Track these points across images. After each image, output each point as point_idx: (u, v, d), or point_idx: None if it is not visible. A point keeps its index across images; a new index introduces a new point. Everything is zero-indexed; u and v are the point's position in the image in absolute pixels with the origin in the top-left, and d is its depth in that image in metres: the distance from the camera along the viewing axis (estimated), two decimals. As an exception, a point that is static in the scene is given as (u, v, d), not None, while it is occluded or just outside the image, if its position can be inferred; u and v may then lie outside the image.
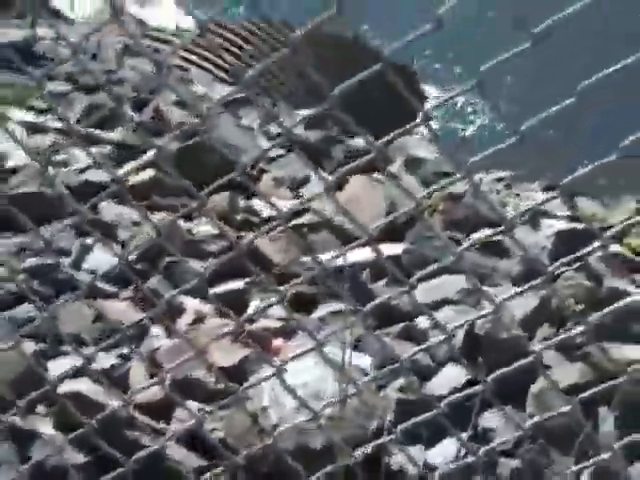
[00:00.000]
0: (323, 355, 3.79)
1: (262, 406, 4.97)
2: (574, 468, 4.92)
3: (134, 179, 7.14)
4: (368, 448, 4.42)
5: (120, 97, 9.03)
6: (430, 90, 14.38)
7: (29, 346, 5.22)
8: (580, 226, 7.68)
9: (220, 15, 13.47)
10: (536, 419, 4.85)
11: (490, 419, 5.21)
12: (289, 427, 4.39)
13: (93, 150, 7.81)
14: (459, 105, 15.35)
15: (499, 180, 8.92)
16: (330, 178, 5.44)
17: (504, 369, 4.52)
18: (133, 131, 8.22)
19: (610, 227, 7.68)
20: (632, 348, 5.54)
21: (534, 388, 5.27)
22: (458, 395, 5.12)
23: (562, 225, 7.48)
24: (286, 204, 7.06)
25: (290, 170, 7.91)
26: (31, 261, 5.93)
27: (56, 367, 5.14)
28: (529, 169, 7.85)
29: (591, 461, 4.76)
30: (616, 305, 5.67)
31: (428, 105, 9.85)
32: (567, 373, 5.40)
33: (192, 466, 4.69)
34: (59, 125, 8.17)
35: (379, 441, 4.74)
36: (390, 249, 6.51)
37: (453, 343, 5.57)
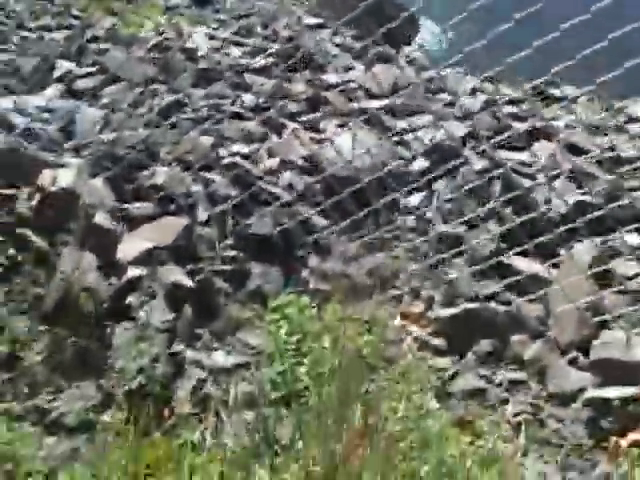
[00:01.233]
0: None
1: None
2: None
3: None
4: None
5: (253, 23, 9.31)
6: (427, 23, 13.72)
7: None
8: (496, 97, 8.07)
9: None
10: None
11: (437, 184, 5.66)
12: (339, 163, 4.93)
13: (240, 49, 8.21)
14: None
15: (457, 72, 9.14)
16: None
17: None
18: (262, 40, 8.55)
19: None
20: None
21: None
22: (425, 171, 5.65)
23: (486, 96, 7.83)
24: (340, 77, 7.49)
25: (342, 62, 8.23)
26: (209, 102, 6.37)
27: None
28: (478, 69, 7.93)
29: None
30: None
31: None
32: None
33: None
34: (223, 35, 8.56)
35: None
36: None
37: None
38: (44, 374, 3.62)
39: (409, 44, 10.54)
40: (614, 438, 3.59)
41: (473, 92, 8.13)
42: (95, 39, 7.43)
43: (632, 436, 3.53)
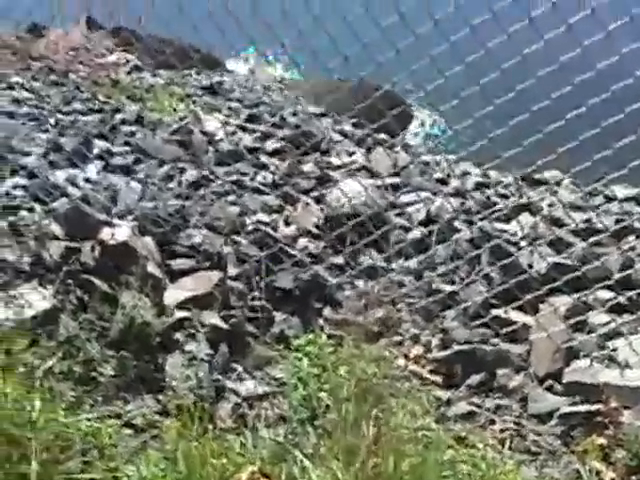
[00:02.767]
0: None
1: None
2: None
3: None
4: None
5: (261, 111, 10.37)
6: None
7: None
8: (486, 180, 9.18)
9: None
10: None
11: (435, 250, 6.71)
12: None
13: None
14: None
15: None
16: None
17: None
18: (270, 126, 9.57)
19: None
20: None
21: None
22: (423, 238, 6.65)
23: (477, 179, 8.95)
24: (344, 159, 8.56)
25: (344, 147, 9.31)
26: (231, 178, 7.40)
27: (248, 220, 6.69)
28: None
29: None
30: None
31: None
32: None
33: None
34: (236, 122, 9.65)
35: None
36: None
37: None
38: (114, 389, 4.57)
39: (405, 130, 11.69)
40: (582, 443, 4.56)
41: (464, 175, 9.26)
42: (124, 122, 8.55)
43: (597, 441, 4.50)
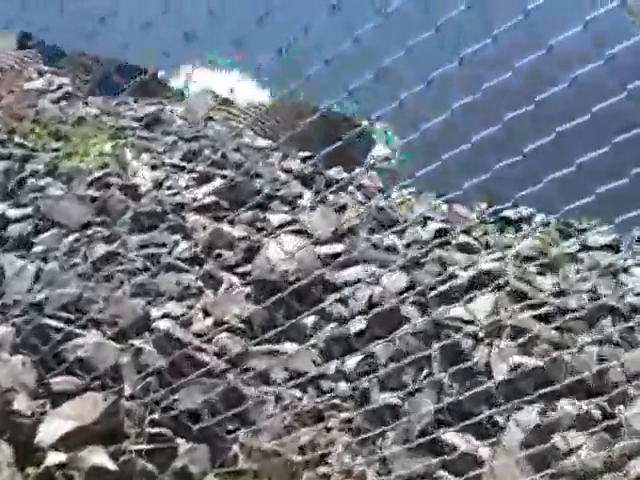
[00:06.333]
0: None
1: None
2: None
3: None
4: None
5: (202, 146, 9.30)
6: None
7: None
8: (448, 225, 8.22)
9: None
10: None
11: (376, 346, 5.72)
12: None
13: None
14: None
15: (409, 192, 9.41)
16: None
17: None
18: (209, 165, 8.51)
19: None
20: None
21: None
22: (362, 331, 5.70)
23: (438, 225, 8.01)
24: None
25: (290, 191, 8.28)
26: (145, 252, 6.41)
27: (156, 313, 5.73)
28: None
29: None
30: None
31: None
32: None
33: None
34: (169, 161, 8.61)
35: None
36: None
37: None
38: None
39: (362, 163, 10.74)
40: None
41: (424, 220, 8.28)
42: (35, 173, 7.50)
43: None
